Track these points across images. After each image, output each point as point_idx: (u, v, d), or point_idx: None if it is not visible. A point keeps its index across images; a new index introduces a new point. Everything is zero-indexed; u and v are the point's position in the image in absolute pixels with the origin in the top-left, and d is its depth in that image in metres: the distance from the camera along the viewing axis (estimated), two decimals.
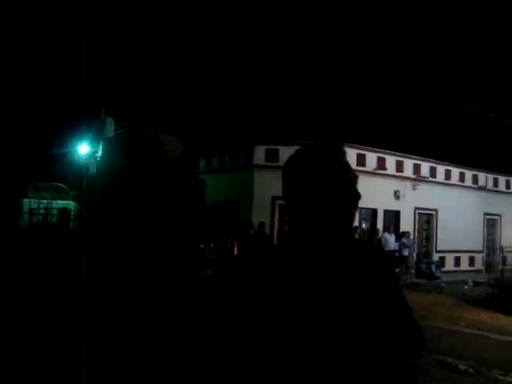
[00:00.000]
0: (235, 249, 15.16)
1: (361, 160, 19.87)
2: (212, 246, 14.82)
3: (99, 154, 26.42)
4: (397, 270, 19.02)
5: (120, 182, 1.23)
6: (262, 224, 16.65)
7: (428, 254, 22.41)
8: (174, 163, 1.29)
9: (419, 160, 22.24)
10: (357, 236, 18.15)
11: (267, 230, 17.65)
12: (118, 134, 1.36)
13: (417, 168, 22.02)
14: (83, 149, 27.64)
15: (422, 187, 21.87)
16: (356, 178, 1.64)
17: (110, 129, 26.95)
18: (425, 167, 22.29)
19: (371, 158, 20.45)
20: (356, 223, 18.87)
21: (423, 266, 21.12)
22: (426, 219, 22.78)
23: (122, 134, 1.45)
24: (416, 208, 21.98)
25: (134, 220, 1.22)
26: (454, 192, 23.02)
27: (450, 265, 22.86)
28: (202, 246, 14.64)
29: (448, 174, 23.21)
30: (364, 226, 20.34)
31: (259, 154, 19.80)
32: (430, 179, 22.24)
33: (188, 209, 1.33)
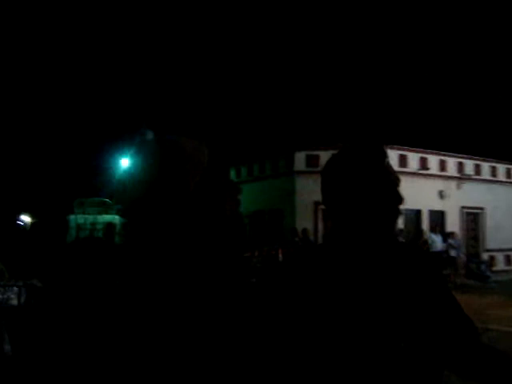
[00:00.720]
0: (280, 256, 15.10)
1: (403, 161, 19.62)
2: (257, 254, 14.79)
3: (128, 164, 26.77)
4: (445, 271, 18.67)
5: (146, 192, 1.22)
6: (305, 230, 16.60)
7: (477, 254, 21.89)
8: (198, 166, 1.28)
9: (463, 158, 21.82)
10: (401, 238, 17.87)
11: (311, 235, 17.57)
12: (139, 142, 1.35)
13: (461, 166, 21.60)
14: (125, 162, 28.02)
15: (467, 186, 21.43)
16: (398, 180, 1.61)
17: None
18: (469, 165, 21.85)
19: (413, 159, 20.16)
20: (400, 225, 18.60)
21: (473, 266, 20.62)
22: (473, 218, 22.28)
23: (144, 143, 1.43)
24: (462, 207, 21.55)
25: (161, 229, 1.21)
26: (501, 189, 22.47)
27: (500, 264, 22.28)
28: (247, 254, 14.64)
29: (494, 171, 22.69)
30: (408, 227, 19.99)
31: (300, 159, 19.74)
32: (475, 177, 21.77)
33: (219, 213, 1.30)
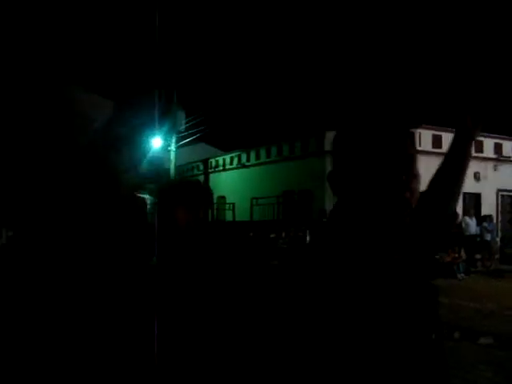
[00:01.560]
0: (308, 238, 14.83)
1: (437, 141, 19.09)
2: (283, 235, 14.56)
3: (172, 147, 26.84)
4: (478, 255, 18.18)
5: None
6: None
7: None
8: (91, 126, 1.05)
9: (501, 139, 21.07)
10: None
11: None
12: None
13: (498, 147, 20.89)
14: (157, 142, 28.05)
15: (505, 167, 20.75)
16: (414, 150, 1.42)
17: (182, 122, 27.25)
18: (507, 146, 21.11)
19: (447, 139, 19.21)
20: None
21: (508, 251, 20.02)
22: (510, 201, 21.58)
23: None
24: (498, 190, 20.88)
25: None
26: None
27: None
28: (273, 235, 14.44)
29: None
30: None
31: (331, 139, 19.31)
32: None
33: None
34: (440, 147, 18.99)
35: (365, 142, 1.36)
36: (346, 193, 1.41)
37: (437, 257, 16.92)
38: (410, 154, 1.39)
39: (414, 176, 1.38)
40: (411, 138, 1.43)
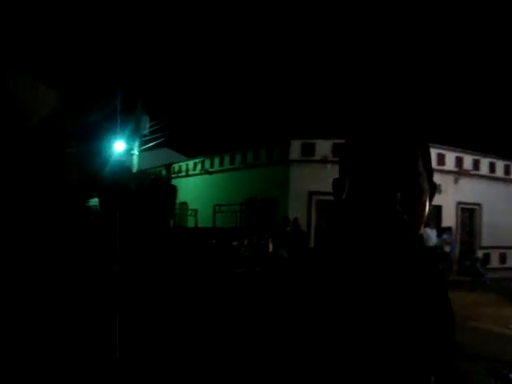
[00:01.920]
0: (270, 245, 14.76)
1: (440, 159, 19.42)
2: (246, 242, 14.44)
3: (135, 151, 26.55)
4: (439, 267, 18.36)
5: None
6: (296, 220, 16.28)
7: (472, 251, 21.59)
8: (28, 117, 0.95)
9: (461, 153, 21.44)
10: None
11: (304, 226, 17.28)
12: None
13: (459, 161, 21.24)
14: (119, 146, 27.70)
15: (465, 181, 21.10)
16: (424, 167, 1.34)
17: (145, 126, 27.00)
18: (468, 160, 21.49)
19: (450, 158, 19.94)
20: None
21: (467, 262, 20.34)
22: (469, 214, 21.97)
23: None
24: (458, 203, 21.22)
25: None
26: (500, 186, 22.15)
27: (495, 261, 22.02)
28: (235, 243, 14.32)
29: (493, 167, 22.34)
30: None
31: (296, 148, 19.38)
32: (474, 172, 21.41)
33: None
34: (443, 164, 19.29)
35: (367, 154, 1.29)
36: (343, 202, 1.35)
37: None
38: (415, 170, 1.30)
39: (417, 192, 1.28)
40: (424, 153, 1.35)
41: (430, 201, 1.32)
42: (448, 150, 20.98)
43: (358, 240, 1.29)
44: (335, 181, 1.38)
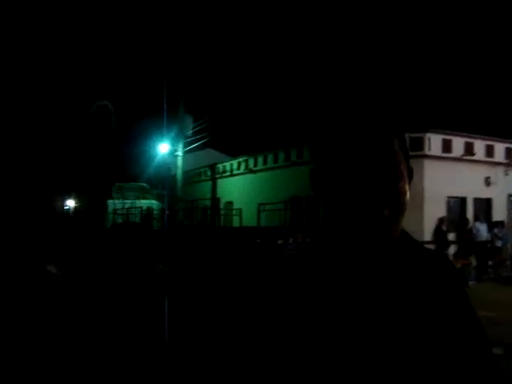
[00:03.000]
0: None
1: (447, 146, 18.80)
2: (291, 241, 14.35)
3: (179, 152, 26.74)
4: (489, 262, 17.91)
5: None
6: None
7: None
8: None
9: (511, 143, 20.77)
10: (444, 228, 17.21)
11: None
12: None
13: (509, 152, 20.56)
14: (164, 148, 27.98)
15: None
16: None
17: (189, 126, 27.16)
18: None
19: (458, 143, 19.26)
20: (443, 213, 17.90)
21: None
22: None
23: None
24: (509, 195, 20.55)
25: None
26: None
27: None
28: (280, 241, 14.24)
29: None
30: (452, 216, 19.17)
31: None
32: None
33: None
34: (450, 152, 18.75)
35: (343, 145, 1.24)
36: (325, 196, 1.30)
37: None
38: (393, 160, 1.23)
39: (398, 181, 1.22)
40: (400, 143, 1.27)
41: (409, 186, 1.26)
42: (497, 140, 20.35)
43: (338, 239, 1.26)
44: (312, 172, 1.35)
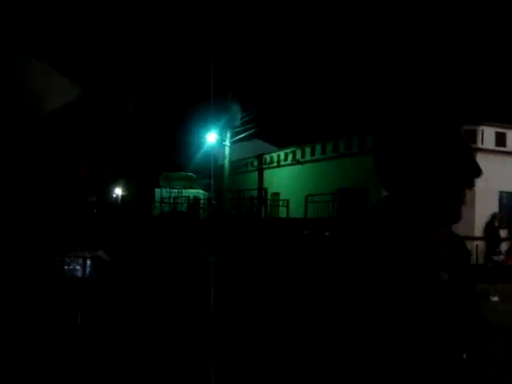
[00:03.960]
0: None
1: (500, 139, 18.29)
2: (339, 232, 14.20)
3: (227, 142, 26.83)
4: None
5: None
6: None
7: None
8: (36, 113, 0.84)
9: None
10: (497, 224, 16.78)
11: None
12: None
13: None
14: (211, 137, 28.13)
15: None
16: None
17: (237, 117, 27.19)
18: None
19: None
20: (496, 209, 17.44)
21: None
22: None
23: None
24: None
25: None
26: None
27: None
28: (327, 233, 14.12)
29: None
30: (505, 212, 18.65)
31: None
32: None
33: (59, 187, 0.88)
34: (504, 145, 18.22)
35: (414, 135, 1.30)
36: (397, 187, 1.33)
37: (497, 259, 16.27)
38: (465, 146, 1.34)
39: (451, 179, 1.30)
40: (460, 134, 1.35)
41: (469, 183, 1.32)
42: None
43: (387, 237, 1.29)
44: (380, 160, 1.35)
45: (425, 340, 1.24)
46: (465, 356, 1.33)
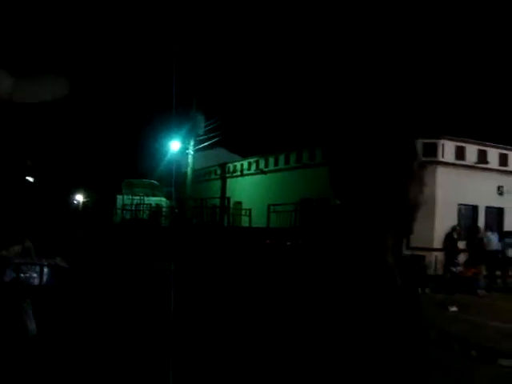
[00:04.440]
0: None
1: (460, 153, 18.64)
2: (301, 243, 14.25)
3: (190, 150, 26.71)
4: (498, 272, 17.76)
5: None
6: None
7: None
8: None
9: None
10: (456, 236, 17.10)
11: None
12: None
13: None
14: (175, 145, 27.98)
15: None
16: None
17: (201, 125, 27.12)
18: None
19: (471, 151, 19.08)
20: (455, 221, 17.75)
21: None
22: None
23: None
24: None
25: None
26: None
27: None
28: (289, 243, 14.16)
29: None
30: (463, 224, 18.99)
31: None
32: None
33: None
34: (463, 159, 18.57)
35: (363, 146, 1.30)
36: (348, 197, 1.35)
37: (456, 271, 16.55)
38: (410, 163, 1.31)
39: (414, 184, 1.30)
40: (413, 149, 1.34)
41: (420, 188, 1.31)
42: (511, 149, 20.14)
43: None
44: (334, 172, 1.38)
45: (376, 343, 1.22)
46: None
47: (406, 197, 1.28)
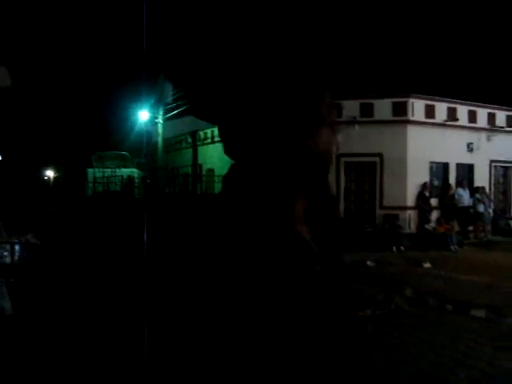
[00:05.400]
0: None
1: (430, 111, 18.70)
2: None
3: (159, 119, 26.39)
4: (470, 227, 18.10)
5: None
6: None
7: (505, 210, 21.06)
8: None
9: (494, 109, 20.68)
10: (427, 193, 17.28)
11: (333, 188, 17.03)
12: None
13: (491, 118, 20.50)
14: (144, 115, 27.62)
15: (498, 138, 20.38)
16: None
17: (169, 94, 26.76)
18: (500, 116, 20.72)
19: (441, 109, 19.14)
20: (426, 179, 17.92)
21: (501, 222, 19.88)
22: (503, 173, 21.32)
23: None
24: (491, 161, 20.58)
25: None
26: None
27: None
28: None
29: None
30: (435, 181, 19.19)
31: (347, 108, 18.91)
32: (507, 129, 20.68)
33: None
34: (433, 117, 18.66)
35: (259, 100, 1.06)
36: (241, 154, 1.13)
37: (429, 228, 16.81)
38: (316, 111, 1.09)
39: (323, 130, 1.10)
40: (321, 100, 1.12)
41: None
42: (480, 106, 20.28)
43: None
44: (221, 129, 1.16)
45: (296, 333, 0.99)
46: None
47: (313, 146, 1.08)
